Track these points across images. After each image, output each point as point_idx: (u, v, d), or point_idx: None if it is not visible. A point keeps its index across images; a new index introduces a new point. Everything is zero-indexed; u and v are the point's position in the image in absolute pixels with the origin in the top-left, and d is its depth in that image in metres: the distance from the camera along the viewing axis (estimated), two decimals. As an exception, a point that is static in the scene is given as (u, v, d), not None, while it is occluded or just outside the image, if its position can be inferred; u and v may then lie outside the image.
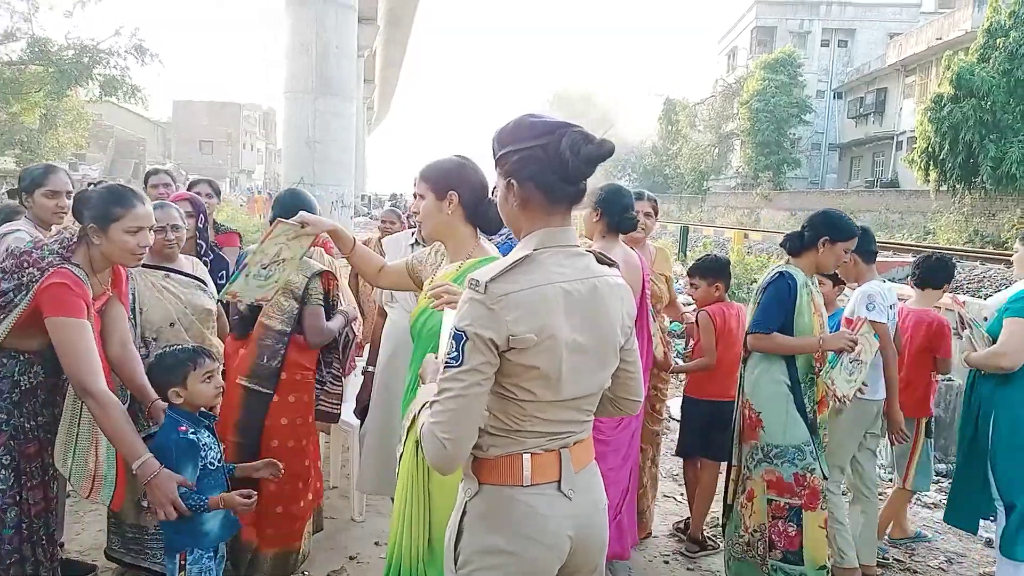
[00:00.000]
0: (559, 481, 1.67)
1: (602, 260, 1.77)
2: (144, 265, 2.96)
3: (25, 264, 2.43)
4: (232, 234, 4.61)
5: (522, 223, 1.71)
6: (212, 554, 2.47)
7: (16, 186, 3.53)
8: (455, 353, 1.55)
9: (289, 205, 3.10)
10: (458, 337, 1.55)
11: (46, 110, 19.32)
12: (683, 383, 4.14)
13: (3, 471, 2.46)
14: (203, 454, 2.46)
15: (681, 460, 4.30)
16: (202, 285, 3.23)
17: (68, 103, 20.26)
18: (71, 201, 3.36)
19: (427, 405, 1.64)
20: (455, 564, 1.70)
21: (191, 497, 2.34)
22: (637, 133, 55.68)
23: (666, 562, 3.81)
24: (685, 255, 16.96)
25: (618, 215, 3.31)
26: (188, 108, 56.21)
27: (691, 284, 4.06)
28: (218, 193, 4.70)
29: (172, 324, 3.03)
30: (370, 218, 30.95)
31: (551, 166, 1.62)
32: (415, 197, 2.38)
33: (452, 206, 2.30)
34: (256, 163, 61.52)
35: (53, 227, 3.40)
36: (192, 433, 2.46)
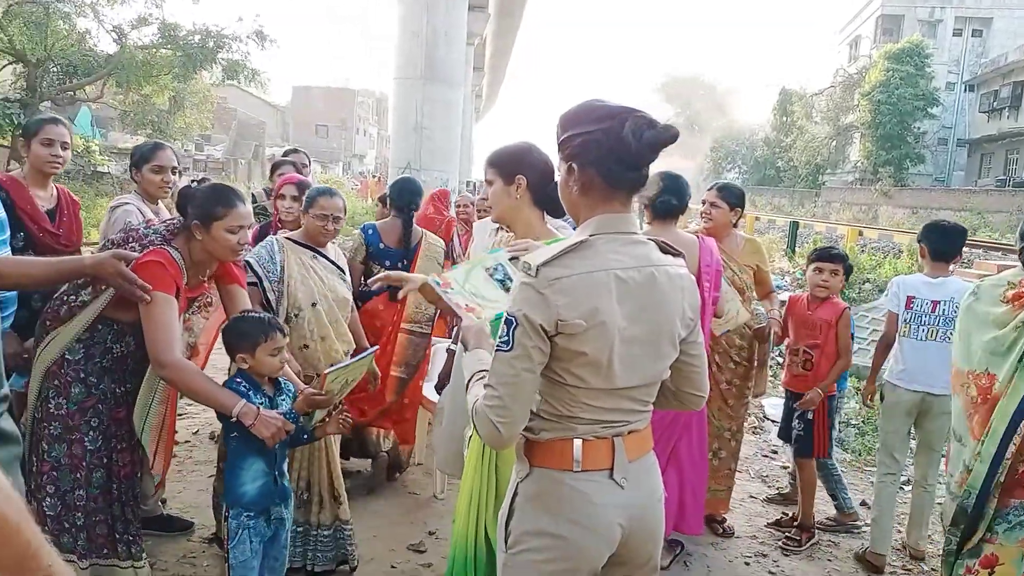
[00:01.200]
0: (611, 469, 1.65)
1: (666, 249, 1.73)
2: (296, 242, 3.11)
3: (130, 239, 2.58)
4: None
5: (581, 208, 1.70)
6: (252, 514, 2.52)
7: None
8: (506, 337, 1.56)
9: (401, 191, 4.25)
10: (509, 322, 1.56)
11: (174, 92, 20.43)
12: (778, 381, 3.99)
13: (92, 433, 2.59)
14: None
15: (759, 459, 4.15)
16: (341, 273, 3.35)
17: (194, 86, 21.39)
18: (176, 176, 3.54)
19: (477, 379, 1.67)
20: (505, 544, 1.71)
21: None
22: (748, 123, 54.05)
23: (747, 563, 3.69)
24: (794, 251, 16.33)
25: (652, 200, 3.36)
26: (306, 93, 58.32)
27: (831, 271, 3.87)
28: (300, 168, 4.75)
29: (314, 304, 3.13)
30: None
31: (613, 151, 1.60)
32: (486, 183, 2.40)
33: (519, 190, 2.30)
34: (368, 148, 63.29)
35: (159, 201, 3.58)
36: (247, 390, 2.50)
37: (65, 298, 2.59)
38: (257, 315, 2.67)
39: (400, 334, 4.06)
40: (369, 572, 3.31)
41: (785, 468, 5.01)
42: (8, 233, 2.77)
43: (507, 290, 2.77)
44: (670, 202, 3.34)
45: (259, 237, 3.50)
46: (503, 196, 2.34)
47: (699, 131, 58.77)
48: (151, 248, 2.50)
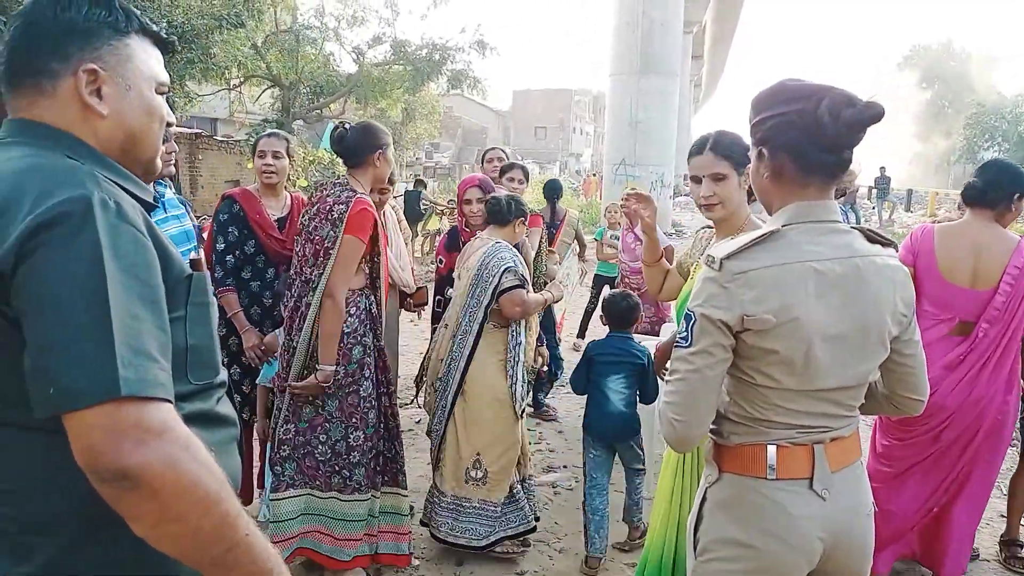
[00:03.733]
0: (811, 479, 1.52)
1: (873, 238, 1.58)
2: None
3: (324, 208, 2.89)
4: (536, 216, 4.79)
5: (774, 196, 1.58)
6: None
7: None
8: (685, 333, 1.51)
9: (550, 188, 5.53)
10: (688, 317, 1.50)
11: (406, 105, 22.00)
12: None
13: (365, 383, 2.99)
14: None
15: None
16: None
17: (423, 97, 22.89)
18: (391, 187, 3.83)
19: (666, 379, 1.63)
20: (695, 551, 1.64)
21: None
22: (1011, 94, 47.83)
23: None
24: None
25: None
26: (526, 96, 60.20)
27: None
28: (527, 177, 4.78)
29: None
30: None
31: (807, 133, 1.48)
32: (708, 179, 2.25)
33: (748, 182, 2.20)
34: (584, 146, 64.02)
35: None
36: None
37: (304, 293, 2.93)
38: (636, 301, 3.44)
39: None
40: (572, 566, 3.37)
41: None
42: (194, 243, 3.11)
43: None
44: (975, 186, 3.00)
45: (448, 244, 3.53)
46: (737, 191, 2.25)
47: (949, 107, 52.98)
48: (353, 199, 2.88)
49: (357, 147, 2.98)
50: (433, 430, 3.34)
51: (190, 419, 1.04)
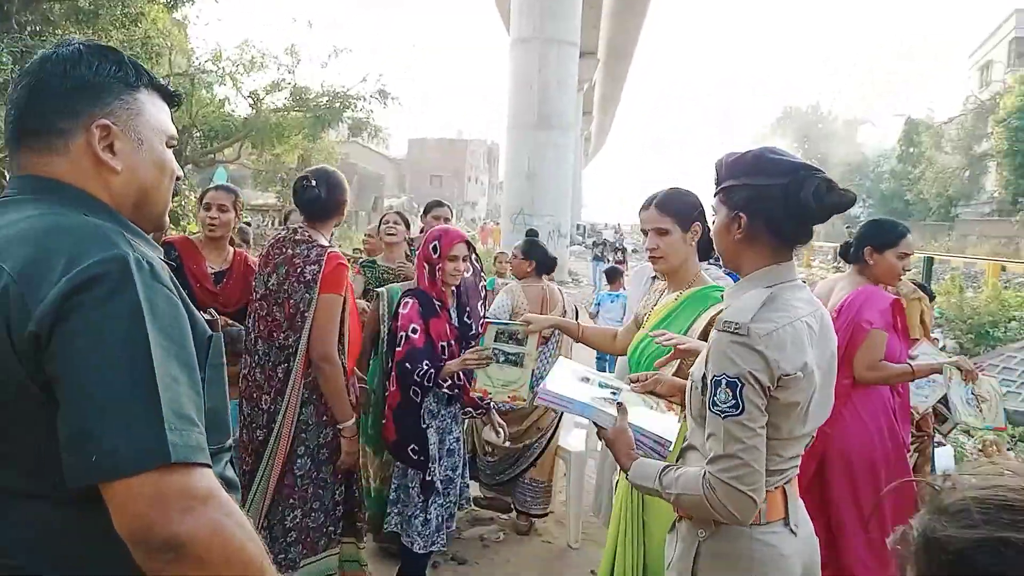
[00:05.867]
0: (786, 518, 1.64)
1: None
2: None
3: (295, 272, 2.78)
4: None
5: (744, 257, 1.69)
6: None
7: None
8: (734, 401, 1.50)
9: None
10: (733, 384, 1.50)
11: (303, 151, 21.65)
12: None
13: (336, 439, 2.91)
14: None
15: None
16: None
17: (321, 144, 22.59)
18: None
19: (675, 472, 1.62)
20: None
21: None
22: (872, 155, 51.97)
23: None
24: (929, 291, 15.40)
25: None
26: (422, 145, 60.61)
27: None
28: (407, 225, 4.38)
29: None
30: (584, 247, 31.57)
31: (787, 208, 1.60)
32: (652, 232, 2.34)
33: (694, 238, 2.32)
34: (480, 195, 64.82)
35: None
36: None
37: (279, 360, 2.81)
38: None
39: None
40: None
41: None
42: None
43: (518, 364, 2.86)
44: (844, 243, 3.34)
45: (425, 311, 3.15)
46: (681, 245, 2.32)
47: (820, 165, 56.87)
48: (325, 255, 2.79)
49: (330, 203, 2.91)
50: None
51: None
